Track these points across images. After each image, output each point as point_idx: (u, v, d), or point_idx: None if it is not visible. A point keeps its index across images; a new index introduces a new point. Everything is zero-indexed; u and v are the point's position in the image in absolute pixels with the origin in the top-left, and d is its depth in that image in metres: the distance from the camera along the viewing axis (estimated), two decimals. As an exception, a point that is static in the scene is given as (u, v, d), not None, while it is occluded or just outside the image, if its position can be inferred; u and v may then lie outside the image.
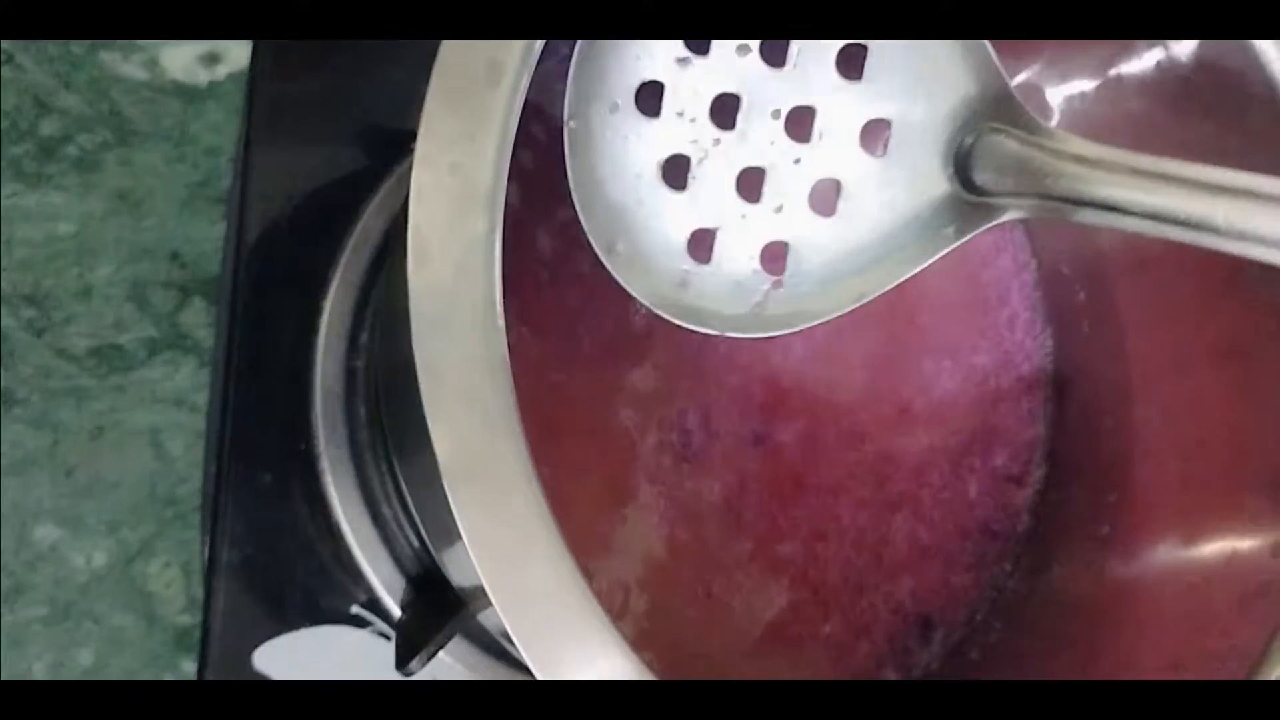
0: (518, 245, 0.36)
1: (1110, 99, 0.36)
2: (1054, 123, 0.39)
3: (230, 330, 0.40)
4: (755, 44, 0.29)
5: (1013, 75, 0.39)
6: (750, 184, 0.30)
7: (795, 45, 0.29)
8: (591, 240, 0.29)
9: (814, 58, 0.30)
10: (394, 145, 0.42)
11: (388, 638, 0.39)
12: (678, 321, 0.30)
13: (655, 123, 0.29)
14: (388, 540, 0.39)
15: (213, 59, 0.49)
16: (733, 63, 0.29)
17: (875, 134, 0.31)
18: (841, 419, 0.39)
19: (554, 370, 0.36)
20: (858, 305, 0.31)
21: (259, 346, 0.40)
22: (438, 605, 0.37)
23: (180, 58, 0.48)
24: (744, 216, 0.30)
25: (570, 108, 0.28)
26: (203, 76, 0.49)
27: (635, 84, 0.29)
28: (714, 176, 0.30)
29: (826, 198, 0.31)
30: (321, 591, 0.40)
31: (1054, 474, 0.41)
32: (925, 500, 0.40)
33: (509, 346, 0.34)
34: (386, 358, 0.37)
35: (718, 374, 0.37)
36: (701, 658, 0.37)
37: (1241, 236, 0.26)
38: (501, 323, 0.24)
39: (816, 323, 0.31)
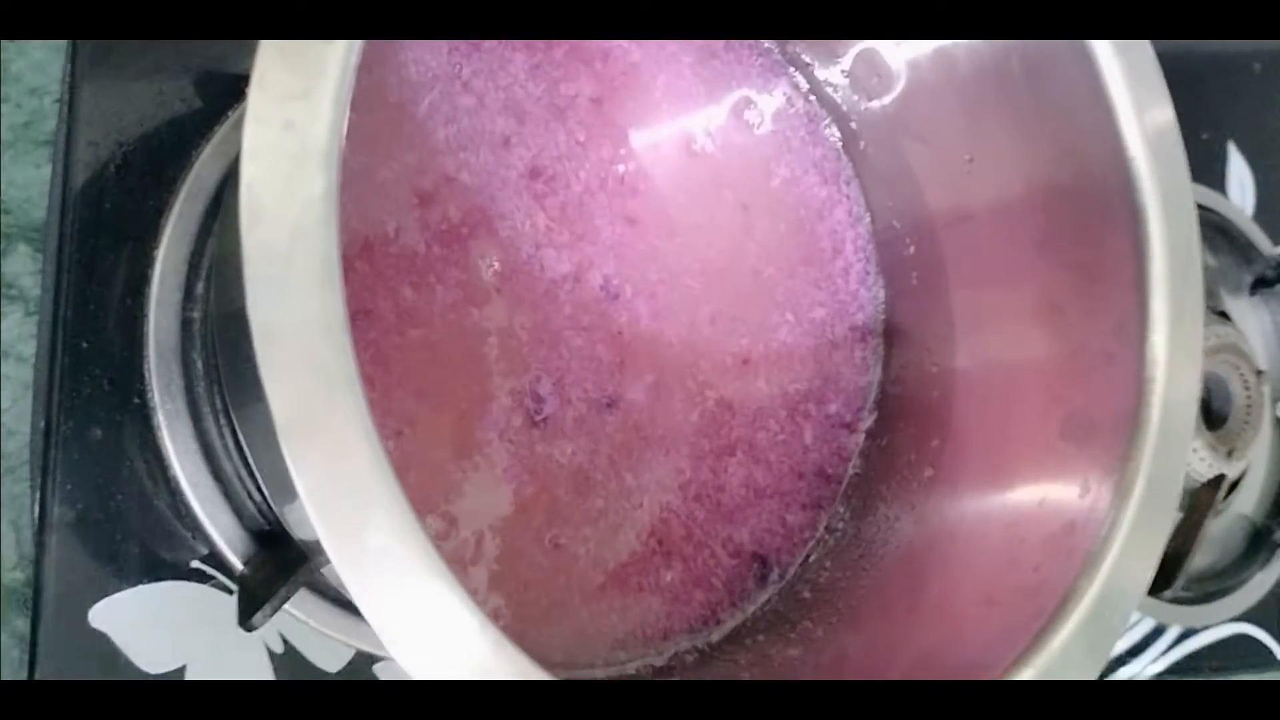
0: (359, 213, 0.35)
1: (944, 67, 0.38)
2: (898, 88, 0.40)
3: (58, 279, 0.39)
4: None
5: (857, 44, 0.40)
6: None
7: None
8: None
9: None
10: (229, 88, 0.41)
11: (230, 592, 0.39)
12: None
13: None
14: (228, 494, 0.39)
15: (33, -8, 0.47)
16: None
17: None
18: (687, 374, 0.40)
19: (407, 329, 0.36)
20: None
21: (88, 296, 0.39)
22: (281, 559, 0.37)
23: (-3, -10, 0.46)
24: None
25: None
26: (23, 10, 0.46)
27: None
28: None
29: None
30: (160, 547, 0.39)
31: (883, 420, 0.43)
32: (762, 446, 0.42)
33: (357, 308, 0.34)
34: (222, 309, 0.36)
35: (566, 338, 0.38)
36: (547, 601, 0.38)
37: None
38: (339, 283, 0.24)
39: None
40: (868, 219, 0.43)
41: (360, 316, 0.35)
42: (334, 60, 0.24)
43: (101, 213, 0.39)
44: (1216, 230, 0.57)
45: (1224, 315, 0.55)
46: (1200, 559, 0.54)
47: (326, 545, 0.23)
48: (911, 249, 0.42)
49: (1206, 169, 0.59)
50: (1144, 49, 0.35)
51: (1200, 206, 0.55)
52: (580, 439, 0.38)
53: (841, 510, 0.42)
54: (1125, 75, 0.34)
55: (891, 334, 0.43)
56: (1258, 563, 0.55)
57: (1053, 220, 0.37)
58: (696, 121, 0.41)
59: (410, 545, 0.24)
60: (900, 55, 0.39)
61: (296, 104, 0.24)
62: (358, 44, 0.25)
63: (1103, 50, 0.34)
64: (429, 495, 0.36)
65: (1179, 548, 0.50)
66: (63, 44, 0.43)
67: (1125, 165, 0.34)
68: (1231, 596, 0.54)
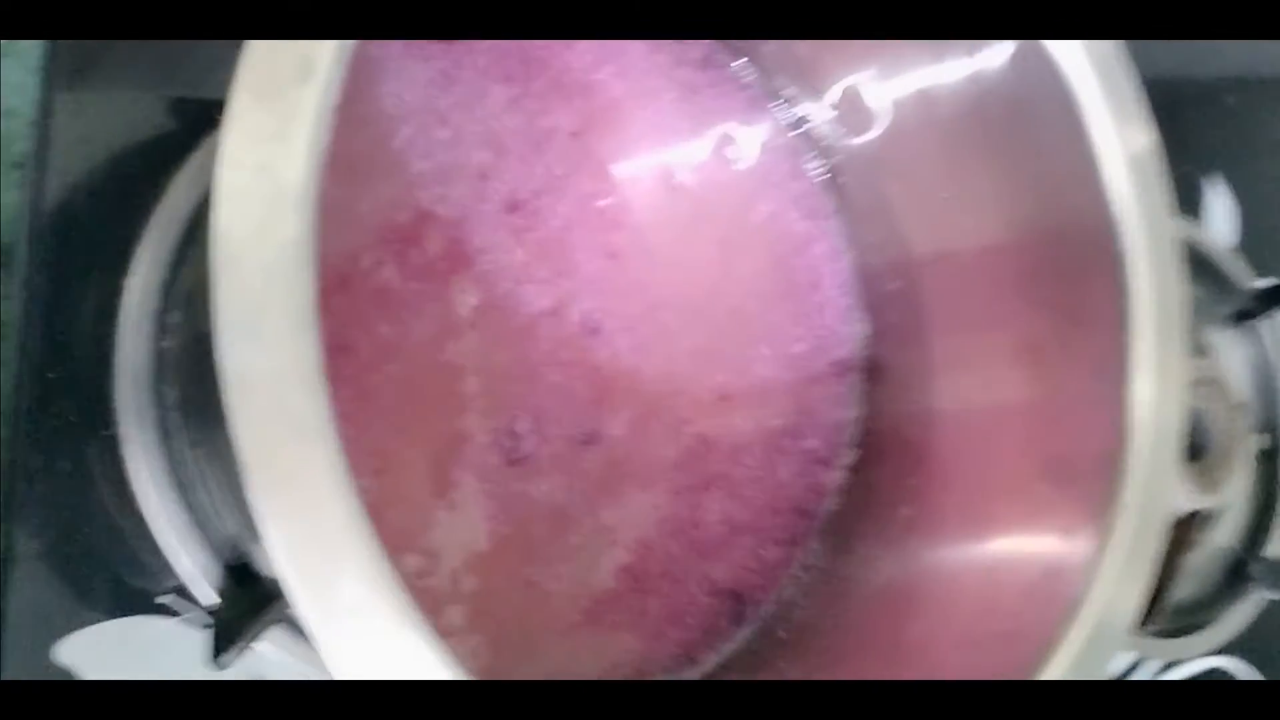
0: (336, 247, 0.35)
1: (925, 105, 0.38)
2: (880, 125, 0.40)
3: (27, 307, 0.38)
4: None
5: (840, 80, 0.40)
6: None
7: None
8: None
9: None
10: (204, 114, 0.40)
11: (201, 627, 0.38)
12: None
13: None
14: (200, 525, 0.38)
15: (8, 11, 0.46)
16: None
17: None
18: (665, 408, 0.40)
19: (385, 364, 0.35)
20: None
21: (57, 324, 0.38)
22: (254, 594, 0.37)
23: (-29, 10, 0.45)
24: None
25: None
26: (-3, 31, 0.46)
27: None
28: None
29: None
30: (129, 581, 0.38)
31: (864, 457, 0.43)
32: (739, 481, 0.41)
33: (334, 344, 0.33)
34: (195, 340, 0.36)
35: (544, 374, 0.37)
36: (523, 639, 0.37)
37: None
38: (314, 329, 0.24)
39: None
40: (849, 255, 0.43)
41: (338, 353, 0.35)
42: (309, 101, 0.24)
43: (72, 239, 0.39)
44: (1196, 262, 0.57)
45: (1203, 348, 0.55)
46: (1179, 590, 0.53)
47: (298, 600, 0.23)
48: (892, 286, 0.42)
49: (1185, 201, 0.59)
50: (1127, 89, 0.35)
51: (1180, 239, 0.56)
52: (557, 476, 0.37)
53: (818, 547, 0.42)
54: (1109, 115, 0.34)
55: (873, 370, 0.43)
56: (1235, 595, 0.55)
57: (1033, 261, 0.37)
58: (678, 156, 0.41)
59: (384, 600, 0.23)
60: (883, 93, 0.39)
61: (271, 146, 0.24)
62: (335, 84, 0.24)
63: (1086, 90, 0.34)
64: (408, 533, 0.35)
65: (1158, 582, 0.50)
66: (36, 65, 0.43)
67: (1106, 207, 0.34)
68: (1210, 629, 0.54)
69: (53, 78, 0.40)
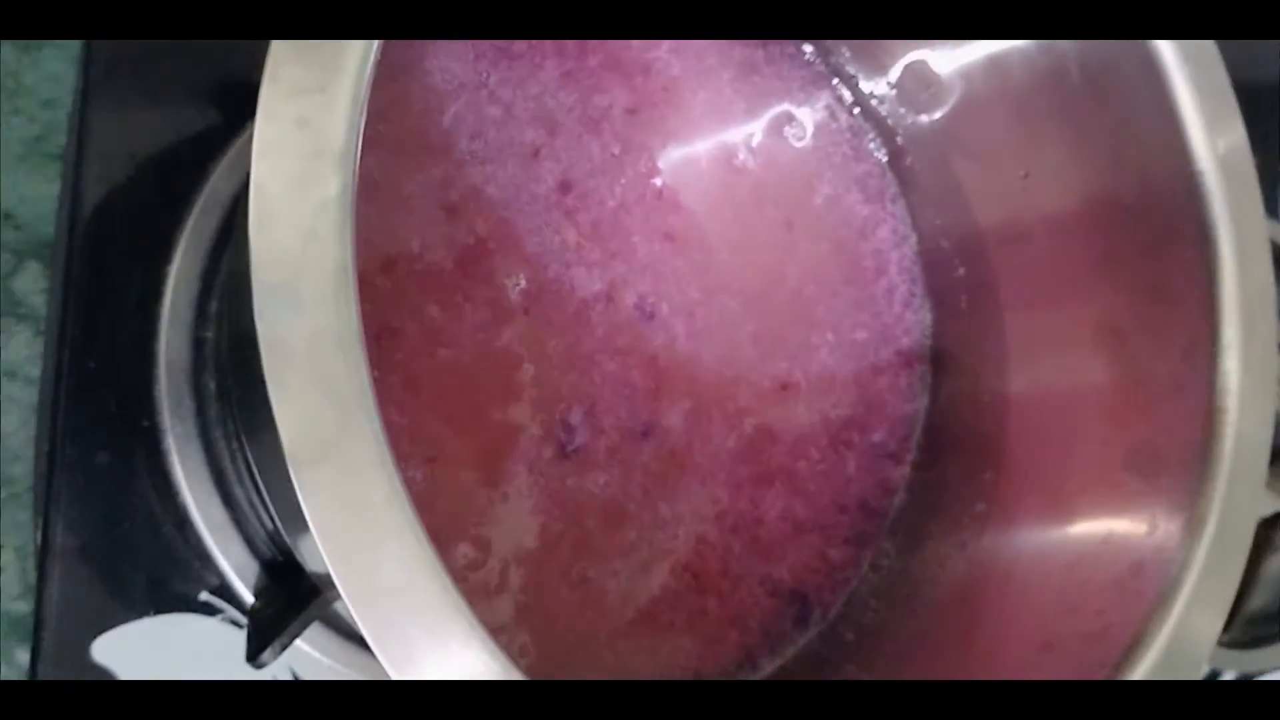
0: (381, 227, 0.34)
1: (997, 77, 0.36)
2: (949, 101, 0.38)
3: (65, 297, 0.37)
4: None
5: (905, 55, 0.39)
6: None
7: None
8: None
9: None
10: (245, 100, 0.39)
11: (240, 626, 0.37)
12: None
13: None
14: (239, 523, 0.37)
15: (51, 4, 0.45)
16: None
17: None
18: (725, 398, 0.38)
19: (436, 349, 0.34)
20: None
21: (97, 315, 0.37)
22: (293, 592, 0.35)
23: (13, 1, 0.45)
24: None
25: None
26: (40, 22, 0.45)
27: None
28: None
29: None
30: (167, 578, 0.37)
31: (931, 450, 0.41)
32: (803, 475, 0.39)
33: (382, 327, 0.32)
34: (235, 328, 0.34)
35: (599, 363, 0.36)
36: (574, 638, 0.36)
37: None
38: (354, 293, 0.22)
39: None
40: (914, 239, 0.41)
41: (386, 336, 0.33)
42: (352, 55, 0.23)
43: (112, 229, 0.38)
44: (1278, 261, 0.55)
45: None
46: (1257, 600, 0.51)
47: (338, 580, 0.21)
48: (961, 270, 0.40)
49: (1267, 199, 0.57)
50: (1213, 57, 0.33)
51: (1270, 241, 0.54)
52: (613, 469, 0.35)
53: (887, 546, 0.40)
54: (1193, 86, 0.32)
55: (940, 360, 0.41)
56: None
57: (1114, 239, 0.35)
58: (737, 136, 0.39)
59: (427, 582, 0.22)
60: (951, 65, 0.37)
61: (312, 99, 0.22)
62: (377, 41, 0.23)
63: (1169, 58, 0.32)
64: (459, 522, 0.34)
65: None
66: (76, 56, 0.42)
67: (1193, 180, 0.32)
68: None
69: (91, 68, 0.39)
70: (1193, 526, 0.31)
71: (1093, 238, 0.35)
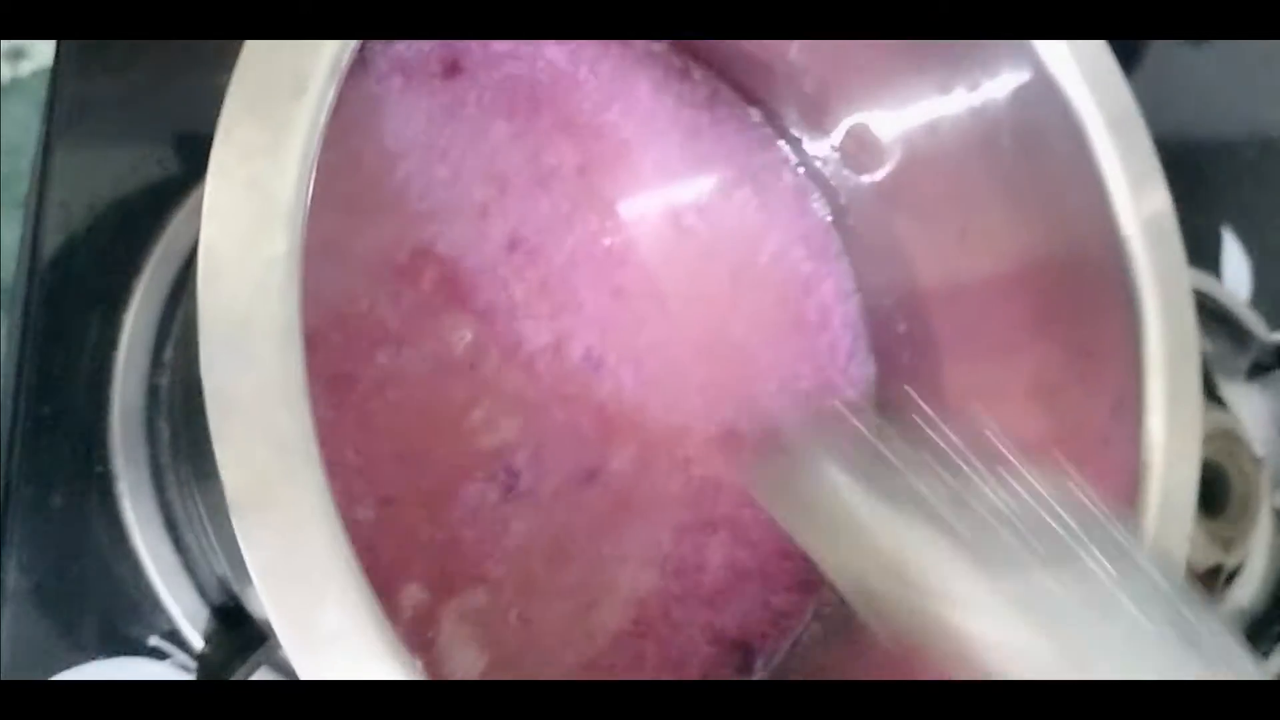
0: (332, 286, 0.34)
1: (934, 141, 0.37)
2: (888, 163, 0.40)
3: (22, 343, 0.38)
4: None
5: (847, 118, 0.40)
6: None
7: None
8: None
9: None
10: (204, 151, 0.40)
11: (188, 670, 0.37)
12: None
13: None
14: (190, 568, 0.37)
15: (17, 55, 0.46)
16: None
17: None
18: (672, 444, 0.39)
19: (387, 391, 0.34)
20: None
21: (53, 360, 0.38)
22: (242, 637, 0.36)
23: (-20, 52, 0.45)
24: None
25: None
26: (5, 72, 0.46)
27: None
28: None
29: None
30: (119, 621, 0.37)
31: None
32: (747, 523, 0.40)
33: (334, 374, 0.33)
34: (187, 377, 0.35)
35: (547, 409, 0.37)
36: (516, 677, 0.36)
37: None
38: (300, 347, 0.23)
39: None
40: (857, 296, 0.42)
41: (340, 381, 0.34)
42: (304, 116, 0.23)
43: (71, 276, 0.38)
44: (1212, 316, 0.56)
45: (1220, 401, 0.54)
46: None
47: (277, 628, 0.22)
48: (902, 326, 0.41)
49: (1201, 254, 0.58)
50: (1137, 123, 0.34)
51: (1195, 292, 0.55)
52: (558, 510, 0.36)
53: (832, 594, 0.40)
54: (1118, 151, 0.34)
55: (883, 411, 0.42)
56: (1257, 657, 0.53)
57: (1048, 297, 0.36)
58: (685, 195, 0.41)
59: (366, 629, 0.22)
60: (891, 129, 0.39)
61: (262, 161, 0.23)
62: (328, 99, 0.24)
63: (1094, 124, 0.34)
64: (409, 563, 0.34)
65: None
66: (42, 101, 0.43)
67: (1119, 245, 0.34)
68: None
69: (54, 115, 0.40)
70: (1119, 578, 0.32)
71: (1028, 296, 0.37)
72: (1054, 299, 0.36)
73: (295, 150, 0.23)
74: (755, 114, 0.42)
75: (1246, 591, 0.54)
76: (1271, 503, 0.54)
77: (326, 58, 0.24)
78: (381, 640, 0.23)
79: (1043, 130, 0.34)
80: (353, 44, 0.24)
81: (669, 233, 0.40)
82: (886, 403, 0.42)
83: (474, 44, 0.37)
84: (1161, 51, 0.59)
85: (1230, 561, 0.51)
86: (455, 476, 0.35)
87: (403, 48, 0.36)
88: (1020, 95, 0.34)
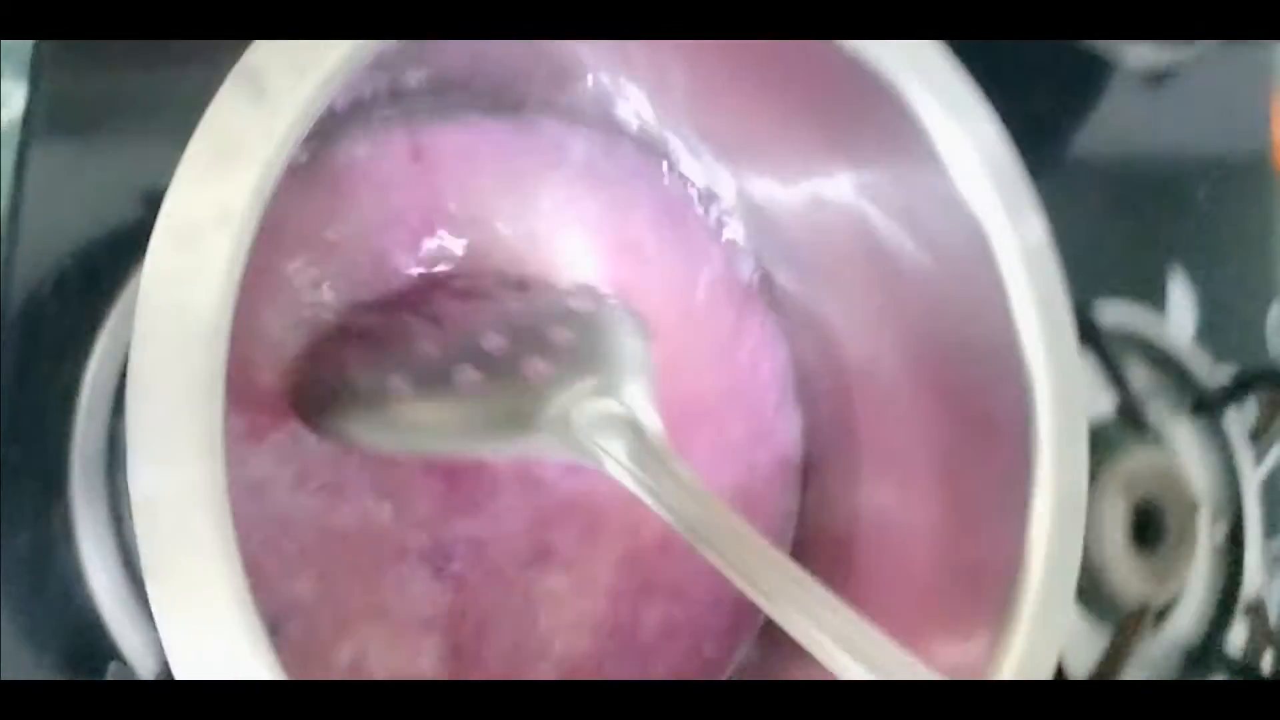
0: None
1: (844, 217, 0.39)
2: (809, 234, 0.42)
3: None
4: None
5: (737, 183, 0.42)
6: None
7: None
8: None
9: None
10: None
11: (143, 700, 0.40)
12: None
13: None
14: (145, 603, 0.40)
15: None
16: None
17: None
18: (614, 514, 0.40)
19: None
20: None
21: (20, 407, 0.40)
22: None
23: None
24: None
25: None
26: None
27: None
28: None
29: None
30: (78, 652, 0.40)
31: (800, 548, 0.44)
32: (685, 580, 0.42)
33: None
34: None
35: (487, 499, 0.39)
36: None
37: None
38: (220, 456, 0.25)
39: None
40: (786, 349, 0.44)
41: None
42: (224, 247, 0.26)
43: (38, 325, 0.41)
44: (1155, 354, 0.57)
45: (1160, 438, 0.55)
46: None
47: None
48: (826, 383, 0.44)
49: (1147, 291, 0.60)
50: (1033, 217, 0.36)
51: (1140, 328, 0.56)
52: (494, 592, 0.38)
53: (753, 647, 0.43)
54: (1006, 217, 0.35)
55: (809, 467, 0.44)
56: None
57: (951, 373, 0.38)
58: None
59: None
60: (784, 204, 0.41)
61: (187, 287, 0.25)
62: (250, 228, 0.26)
63: (980, 199, 0.35)
64: (344, 629, 0.37)
65: (1103, 671, 0.50)
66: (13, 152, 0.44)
67: (1013, 326, 0.36)
68: None
69: (25, 167, 0.42)
70: (1002, 647, 0.34)
71: (932, 369, 0.39)
72: (954, 376, 0.38)
73: (218, 276, 0.25)
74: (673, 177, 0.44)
75: (1183, 626, 0.56)
76: (1210, 538, 0.56)
77: (248, 191, 0.26)
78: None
79: (948, 225, 0.36)
80: (275, 176, 0.26)
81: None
82: (811, 460, 0.44)
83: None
84: (1114, 89, 0.61)
85: (1162, 596, 0.53)
86: (388, 559, 0.37)
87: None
88: (901, 180, 0.36)
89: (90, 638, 0.40)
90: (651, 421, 0.32)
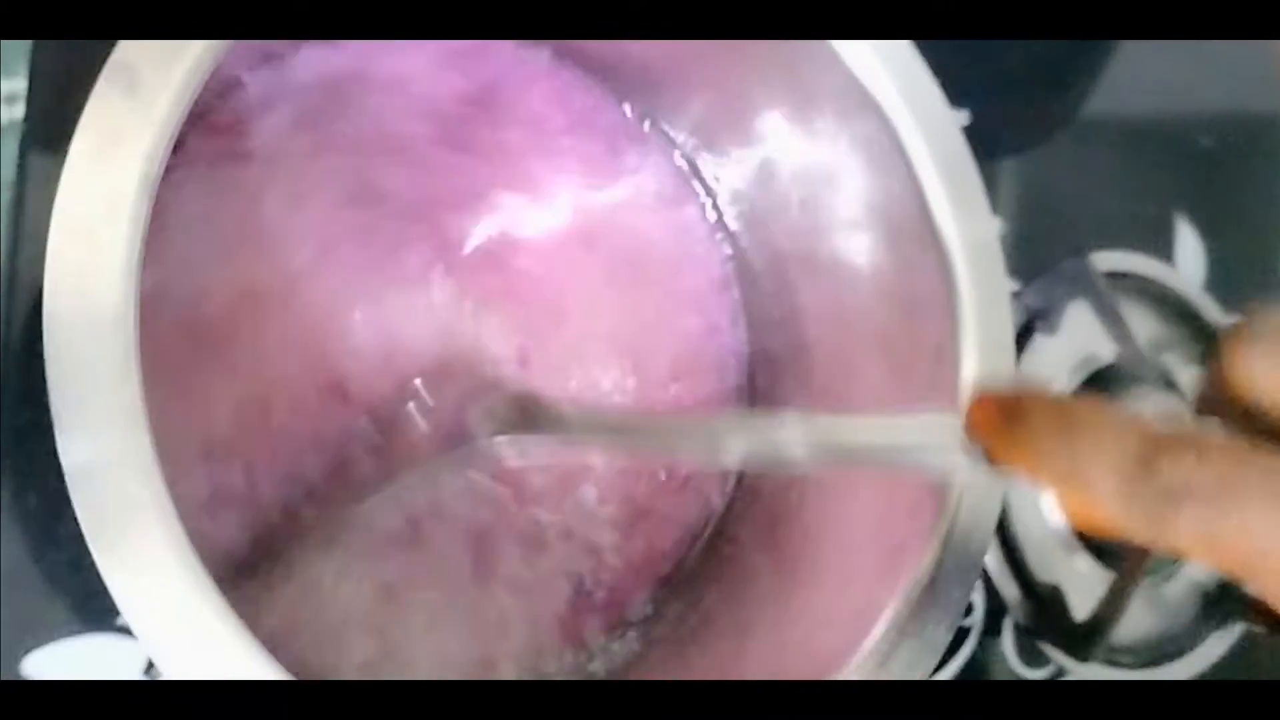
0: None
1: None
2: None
3: (2, 359, 0.42)
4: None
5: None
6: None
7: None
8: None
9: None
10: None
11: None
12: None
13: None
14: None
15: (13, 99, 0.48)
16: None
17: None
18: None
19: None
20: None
21: (30, 375, 0.42)
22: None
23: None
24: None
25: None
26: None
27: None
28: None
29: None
30: (89, 603, 0.42)
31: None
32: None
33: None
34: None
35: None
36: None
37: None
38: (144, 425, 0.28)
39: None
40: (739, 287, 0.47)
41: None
42: (117, 233, 0.27)
43: (40, 324, 0.42)
44: (1165, 302, 0.56)
45: (1173, 386, 0.54)
46: (1150, 624, 0.54)
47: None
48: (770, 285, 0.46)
49: (1155, 241, 0.58)
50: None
51: (1149, 278, 0.55)
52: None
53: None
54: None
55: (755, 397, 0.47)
56: (1213, 627, 0.55)
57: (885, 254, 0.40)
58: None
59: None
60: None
61: (89, 278, 0.27)
62: (142, 211, 0.28)
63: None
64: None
65: (1104, 612, 0.49)
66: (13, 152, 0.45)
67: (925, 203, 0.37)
68: (1185, 659, 0.54)
69: (25, 164, 0.42)
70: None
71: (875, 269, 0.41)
72: (890, 258, 0.40)
73: (117, 264, 0.27)
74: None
75: (1200, 567, 0.54)
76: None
77: (134, 177, 0.28)
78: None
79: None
80: (160, 160, 0.28)
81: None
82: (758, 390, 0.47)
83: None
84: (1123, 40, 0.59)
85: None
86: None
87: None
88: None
89: (101, 588, 0.42)
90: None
